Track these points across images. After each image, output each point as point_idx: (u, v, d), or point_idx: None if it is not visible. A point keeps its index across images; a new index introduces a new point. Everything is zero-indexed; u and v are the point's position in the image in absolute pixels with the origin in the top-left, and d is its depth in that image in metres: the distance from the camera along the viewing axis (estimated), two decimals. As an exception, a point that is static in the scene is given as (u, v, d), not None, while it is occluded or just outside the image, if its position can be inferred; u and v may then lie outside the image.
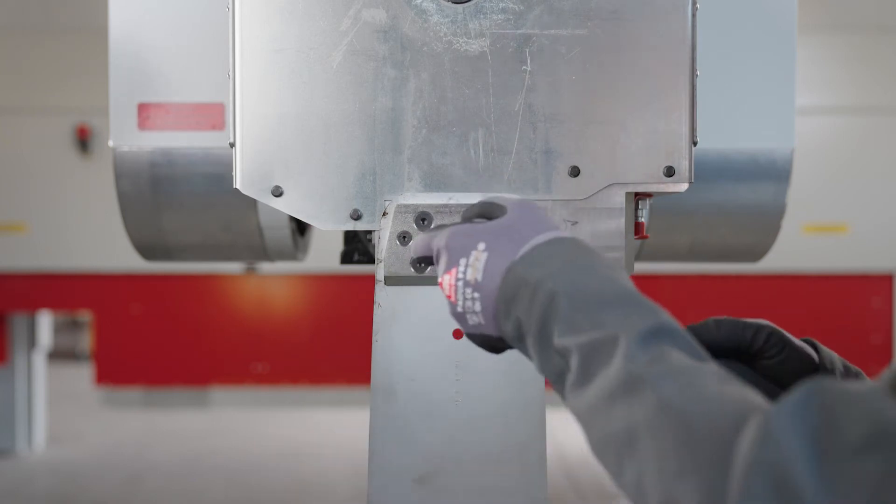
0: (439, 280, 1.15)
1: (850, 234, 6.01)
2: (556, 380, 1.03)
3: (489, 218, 1.17)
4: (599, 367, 0.96)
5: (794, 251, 5.80)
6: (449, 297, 1.13)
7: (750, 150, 2.30)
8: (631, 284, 1.02)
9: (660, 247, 2.49)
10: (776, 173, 2.32)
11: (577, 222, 1.47)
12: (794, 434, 0.77)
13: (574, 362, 0.98)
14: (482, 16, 1.45)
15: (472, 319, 1.12)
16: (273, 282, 6.26)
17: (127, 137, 2.25)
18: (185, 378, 6.30)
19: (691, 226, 2.42)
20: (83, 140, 5.99)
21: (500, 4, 1.45)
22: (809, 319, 6.00)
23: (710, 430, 0.84)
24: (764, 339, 1.20)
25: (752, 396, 0.86)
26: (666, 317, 0.97)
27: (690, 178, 1.46)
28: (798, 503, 0.75)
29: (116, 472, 6.59)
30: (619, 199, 1.47)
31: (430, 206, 1.47)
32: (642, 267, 2.91)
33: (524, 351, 1.08)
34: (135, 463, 6.82)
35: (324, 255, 3.63)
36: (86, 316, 10.70)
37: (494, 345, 1.14)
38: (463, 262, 1.12)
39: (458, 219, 1.41)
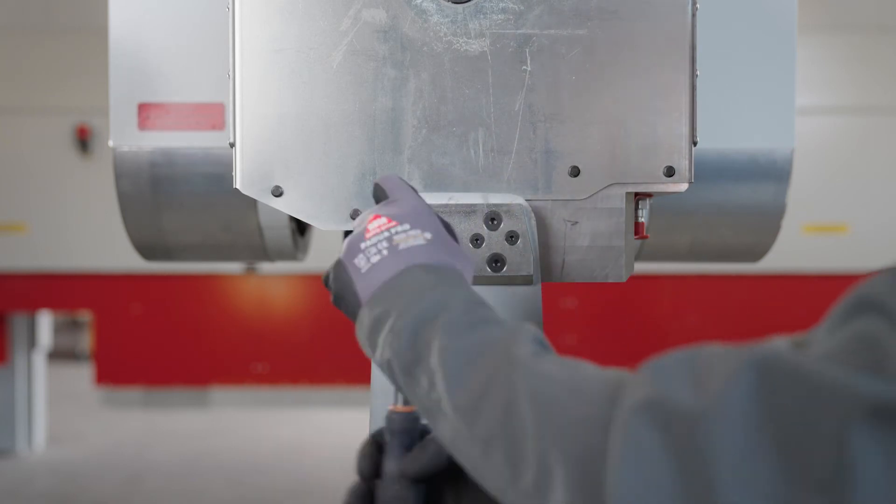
0: (374, 214, 1.16)
1: (850, 234, 6.01)
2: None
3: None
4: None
5: (794, 251, 5.80)
6: (367, 230, 1.15)
7: (750, 150, 2.30)
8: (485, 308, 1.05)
9: (660, 247, 2.49)
10: (776, 173, 2.32)
11: (577, 222, 1.47)
12: (674, 372, 0.80)
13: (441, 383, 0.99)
14: (482, 16, 1.45)
15: (362, 261, 1.14)
16: (273, 282, 6.26)
17: (127, 137, 2.25)
18: (185, 378, 6.29)
19: (691, 226, 2.42)
20: (83, 140, 5.99)
21: (500, 4, 1.44)
22: (809, 319, 5.97)
23: (588, 395, 0.85)
24: None
25: (621, 371, 0.88)
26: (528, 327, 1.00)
27: (690, 178, 1.46)
28: (680, 422, 0.76)
29: (116, 472, 6.59)
30: (619, 199, 1.47)
31: (430, 206, 1.47)
32: (642, 267, 2.91)
33: (371, 344, 1.09)
34: (135, 463, 6.82)
35: (324, 255, 3.62)
36: (86, 316, 10.70)
37: (347, 301, 1.15)
38: (408, 226, 1.14)
39: (454, 218, 1.42)
